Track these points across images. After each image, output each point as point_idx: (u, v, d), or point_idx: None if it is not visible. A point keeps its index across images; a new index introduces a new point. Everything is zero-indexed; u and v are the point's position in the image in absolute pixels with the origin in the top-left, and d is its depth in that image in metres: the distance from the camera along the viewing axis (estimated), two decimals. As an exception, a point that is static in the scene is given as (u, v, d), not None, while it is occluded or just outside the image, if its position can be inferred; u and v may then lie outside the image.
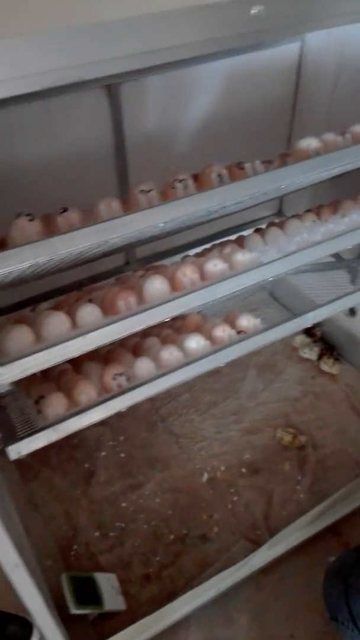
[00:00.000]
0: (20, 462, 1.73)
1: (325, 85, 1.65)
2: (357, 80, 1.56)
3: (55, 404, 1.02)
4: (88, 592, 1.35)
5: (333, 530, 1.56)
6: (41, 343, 0.88)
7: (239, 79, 1.62)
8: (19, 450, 0.95)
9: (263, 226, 1.35)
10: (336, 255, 1.81)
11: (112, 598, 1.37)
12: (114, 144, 1.53)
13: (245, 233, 1.37)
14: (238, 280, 0.98)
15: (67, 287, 1.68)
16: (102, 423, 1.82)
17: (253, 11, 0.59)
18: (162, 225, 0.81)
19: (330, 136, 0.97)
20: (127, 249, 1.69)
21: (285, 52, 1.66)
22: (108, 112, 1.48)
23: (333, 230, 1.08)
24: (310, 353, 2.01)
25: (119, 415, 1.83)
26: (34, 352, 0.83)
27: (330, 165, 0.91)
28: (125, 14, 0.58)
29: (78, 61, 0.59)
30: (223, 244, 1.40)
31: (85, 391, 1.03)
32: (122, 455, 1.75)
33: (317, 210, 1.34)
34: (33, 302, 1.64)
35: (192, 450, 1.75)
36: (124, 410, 1.04)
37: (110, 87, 1.44)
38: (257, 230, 1.29)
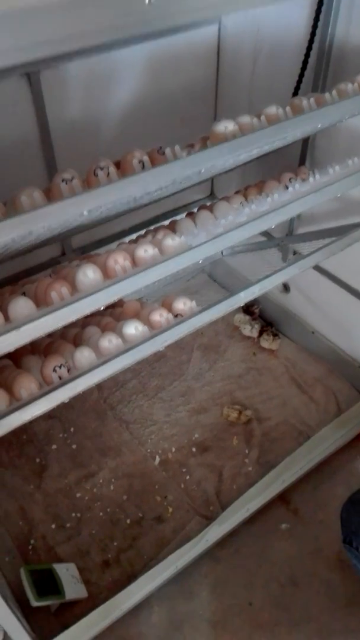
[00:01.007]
0: (-30, 463, 1.71)
1: (245, 66, 1.69)
2: (273, 60, 1.60)
3: (-5, 400, 1.01)
4: (48, 584, 1.35)
5: (282, 498, 1.63)
6: (-27, 341, 0.86)
7: (161, 62, 1.63)
8: None
9: (195, 209, 1.38)
10: (267, 235, 1.87)
11: (73, 587, 1.39)
12: (38, 134, 1.51)
13: (178, 217, 1.39)
14: (168, 265, 0.99)
15: (3, 281, 1.65)
16: (50, 416, 1.82)
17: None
18: (86, 213, 0.82)
19: (246, 118, 1.00)
20: (61, 239, 1.67)
21: (204, 34, 1.68)
22: (30, 101, 1.46)
23: (257, 211, 1.11)
24: (251, 331, 2.07)
25: (67, 406, 1.85)
26: (-35, 351, 0.81)
27: (246, 147, 0.93)
28: (21, 3, 0.58)
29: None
30: (156, 230, 1.42)
31: (26, 385, 1.02)
32: (74, 446, 1.76)
33: (244, 192, 1.38)
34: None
35: (143, 435, 1.78)
36: (66, 401, 1.04)
37: (30, 75, 1.41)
38: (189, 214, 1.32)
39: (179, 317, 1.21)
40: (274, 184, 1.30)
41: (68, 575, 1.40)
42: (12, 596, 1.31)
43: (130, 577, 1.44)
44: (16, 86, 1.42)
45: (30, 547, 1.51)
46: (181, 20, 0.67)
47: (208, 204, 1.40)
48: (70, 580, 1.39)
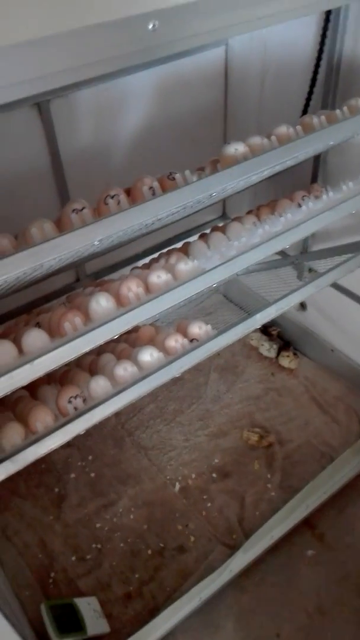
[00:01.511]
0: (-11, 494, 1.69)
1: (253, 87, 1.69)
2: (281, 79, 1.59)
3: (11, 434, 0.99)
4: (69, 619, 1.32)
5: (307, 524, 1.58)
6: (-14, 375, 0.85)
7: (169, 86, 1.64)
8: (-23, 486, 0.92)
9: (208, 231, 1.36)
10: (282, 253, 1.84)
11: (95, 622, 1.35)
12: (50, 162, 1.52)
13: (191, 239, 1.38)
14: (181, 291, 0.98)
15: (18, 310, 1.65)
16: (68, 444, 1.79)
17: (150, 26, 0.59)
18: (97, 243, 0.81)
19: (256, 139, 0.99)
20: (75, 266, 1.67)
21: (211, 56, 1.68)
22: (41, 130, 1.47)
23: (270, 231, 1.09)
24: (269, 350, 2.04)
25: (85, 434, 1.81)
26: (-22, 386, 0.80)
27: (257, 168, 0.92)
28: (27, 36, 0.57)
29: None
30: (169, 253, 1.41)
31: (41, 418, 1.01)
32: (92, 474, 1.73)
33: (257, 211, 1.36)
34: (-16, 329, 1.61)
35: (162, 462, 1.74)
36: (82, 432, 1.03)
37: (40, 105, 1.43)
38: (202, 236, 1.30)
39: (194, 342, 1.18)
40: (286, 203, 1.28)
41: (90, 610, 1.36)
42: (32, 633, 1.28)
43: (153, 610, 1.40)
44: (27, 116, 1.43)
45: (50, 580, 1.47)
46: (185, 45, 0.66)
47: (220, 224, 1.39)
48: (92, 615, 1.36)
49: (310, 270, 1.85)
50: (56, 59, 0.61)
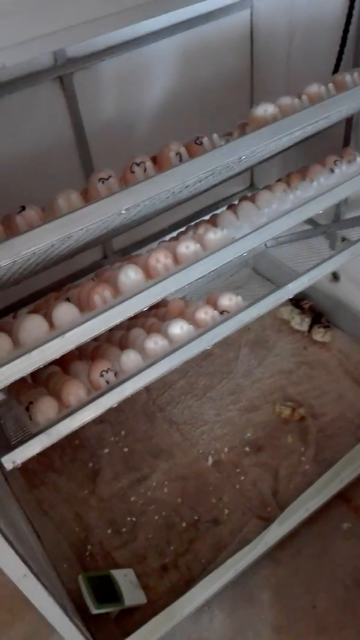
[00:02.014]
0: (26, 469, 1.72)
1: (280, 48, 1.62)
2: (310, 39, 1.52)
3: (45, 408, 1.00)
4: (107, 590, 1.34)
5: (342, 497, 1.56)
6: (18, 349, 0.85)
7: (193, 54, 1.59)
8: (13, 459, 0.93)
9: (236, 202, 1.33)
10: (313, 222, 1.79)
11: (132, 593, 1.37)
12: (74, 135, 1.50)
13: (219, 211, 1.34)
14: (211, 260, 0.95)
15: (48, 289, 1.66)
16: (101, 420, 1.81)
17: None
18: (124, 212, 0.79)
19: (286, 100, 0.94)
20: (102, 242, 1.66)
21: (235, 20, 1.62)
22: (64, 103, 1.45)
23: (302, 197, 1.05)
24: (302, 324, 2.00)
25: (117, 410, 1.84)
26: (10, 360, 0.80)
27: (288, 129, 0.88)
28: None
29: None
30: (197, 225, 1.38)
31: (73, 392, 1.01)
32: (125, 449, 1.74)
33: (286, 179, 1.32)
34: (16, 308, 1.62)
35: (194, 436, 1.74)
36: (115, 405, 1.02)
37: (62, 78, 1.40)
38: (230, 207, 1.27)
39: (225, 314, 1.16)
40: (318, 168, 1.23)
41: (126, 581, 1.38)
42: (71, 604, 1.31)
43: (188, 582, 1.41)
44: (50, 90, 1.41)
45: (87, 553, 1.50)
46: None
47: (249, 195, 1.35)
48: (129, 586, 1.38)
49: (343, 239, 1.79)
50: (70, 12, 0.58)
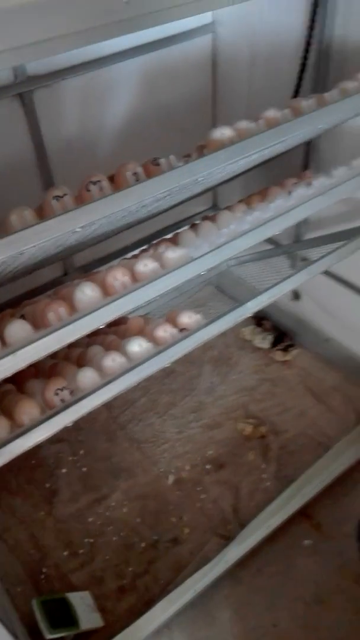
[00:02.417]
0: (-21, 490, 1.67)
1: (242, 73, 1.66)
2: (271, 63, 1.56)
3: (-3, 427, 0.98)
4: (62, 614, 1.31)
5: (304, 513, 1.56)
6: (-32, 367, 0.83)
7: (156, 76, 1.61)
8: None
9: (198, 221, 1.34)
10: (274, 242, 1.82)
11: (88, 616, 1.34)
12: (34, 153, 1.49)
13: (181, 230, 1.35)
14: (169, 278, 0.96)
15: (5, 305, 1.62)
16: (59, 439, 1.78)
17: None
18: (79, 230, 0.78)
19: (243, 124, 0.96)
20: (62, 258, 1.64)
21: (198, 44, 1.66)
22: (24, 121, 1.44)
23: (260, 218, 1.07)
24: (264, 342, 2.02)
25: (76, 428, 1.81)
26: None
27: (244, 152, 0.89)
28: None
29: None
30: (158, 244, 1.39)
31: (27, 411, 0.99)
32: (84, 469, 1.71)
33: (247, 200, 1.34)
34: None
35: (155, 454, 1.73)
36: (70, 425, 1.01)
37: (22, 95, 1.40)
38: (192, 226, 1.28)
39: (184, 332, 1.17)
40: (277, 190, 1.26)
41: (83, 604, 1.35)
42: (23, 629, 1.27)
43: (147, 603, 1.39)
44: (9, 107, 1.40)
45: (42, 576, 1.46)
46: (161, 19, 0.63)
47: (211, 215, 1.37)
48: (85, 610, 1.34)
49: (303, 259, 1.83)
50: (31, 28, 0.58)
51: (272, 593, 1.43)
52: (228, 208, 1.30)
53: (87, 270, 1.75)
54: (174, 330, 1.16)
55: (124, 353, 1.11)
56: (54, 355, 1.13)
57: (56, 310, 0.92)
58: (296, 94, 1.50)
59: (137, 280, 1.00)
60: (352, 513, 1.56)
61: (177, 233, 1.28)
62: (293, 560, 1.50)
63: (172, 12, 0.64)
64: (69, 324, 0.87)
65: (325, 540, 1.52)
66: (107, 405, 1.83)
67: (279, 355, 1.98)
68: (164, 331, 1.15)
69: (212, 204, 2.05)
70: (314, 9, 1.36)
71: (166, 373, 1.97)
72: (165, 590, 1.41)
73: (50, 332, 0.85)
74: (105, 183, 0.86)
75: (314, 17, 1.38)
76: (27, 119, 1.42)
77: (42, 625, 1.25)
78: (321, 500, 1.59)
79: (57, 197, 0.83)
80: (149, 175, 0.89)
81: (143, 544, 1.51)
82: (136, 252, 1.59)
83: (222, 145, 0.93)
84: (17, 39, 0.59)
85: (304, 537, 1.54)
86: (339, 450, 1.63)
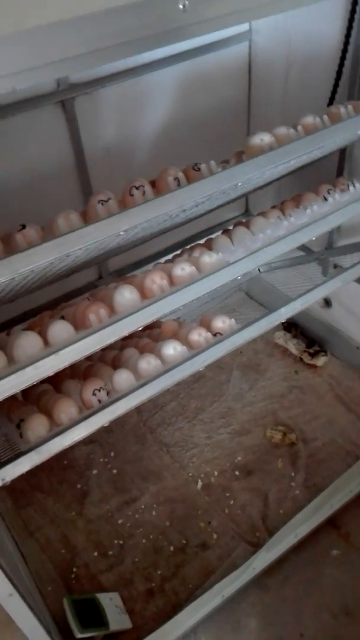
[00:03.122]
0: (13, 489, 1.70)
1: (277, 80, 1.67)
2: (307, 72, 1.58)
3: (36, 426, 1.00)
4: (92, 614, 1.32)
5: (332, 523, 1.55)
6: (13, 365, 0.86)
7: (193, 83, 1.64)
8: (2, 476, 0.92)
9: (231, 227, 1.36)
10: (306, 249, 1.82)
11: (117, 617, 1.35)
12: (74, 158, 1.53)
13: (214, 236, 1.37)
14: (207, 282, 0.97)
15: (42, 307, 1.66)
16: (91, 441, 1.80)
17: (180, 5, 0.59)
18: (122, 233, 0.80)
19: (282, 130, 0.98)
20: (98, 262, 1.67)
21: (235, 52, 1.68)
22: (65, 127, 1.48)
23: (295, 224, 1.08)
24: (293, 349, 2.01)
25: (107, 431, 1.83)
26: (4, 377, 0.80)
27: (284, 158, 0.91)
28: (60, 16, 0.56)
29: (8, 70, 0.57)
30: (192, 248, 1.40)
31: (65, 410, 1.01)
32: (114, 471, 1.73)
33: (281, 206, 1.35)
34: (9, 325, 1.63)
35: (184, 459, 1.74)
36: (106, 424, 1.03)
37: (64, 102, 1.44)
38: (225, 232, 1.30)
39: (218, 336, 1.18)
40: (311, 197, 1.26)
41: (112, 605, 1.36)
42: (55, 627, 1.28)
43: (175, 607, 1.39)
44: (52, 114, 1.44)
45: (73, 575, 1.48)
46: (213, 27, 0.64)
47: (244, 220, 1.38)
48: (114, 611, 1.35)
49: (335, 266, 1.83)
50: (81, 39, 0.60)
51: (299, 602, 1.42)
52: (262, 214, 1.31)
53: (122, 274, 1.78)
54: (208, 335, 1.17)
55: (159, 356, 1.13)
56: (89, 358, 1.15)
57: (96, 312, 0.94)
58: (331, 101, 1.50)
59: (174, 284, 1.02)
60: (382, 524, 1.55)
61: (211, 238, 1.30)
62: (321, 569, 1.48)
63: (219, 21, 0.65)
64: (109, 325, 0.89)
65: (354, 550, 1.51)
66: (137, 409, 1.85)
67: (306, 358, 1.97)
68: (199, 335, 1.16)
69: (245, 209, 2.06)
70: (351, 16, 1.37)
71: (195, 378, 1.98)
72: (192, 594, 1.41)
73: (92, 333, 0.87)
74: (148, 188, 0.88)
75: (350, 27, 1.39)
76: (68, 124, 1.45)
77: (73, 624, 1.27)
78: (350, 510, 1.57)
79: (102, 201, 0.85)
80: (190, 180, 0.91)
81: (172, 548, 1.52)
82: (169, 257, 1.61)
83: (261, 150, 0.94)
84: (63, 52, 0.61)
85: (332, 546, 1.52)
86: (369, 459, 1.61)
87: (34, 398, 1.14)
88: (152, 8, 0.59)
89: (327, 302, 1.98)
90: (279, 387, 1.94)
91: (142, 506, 1.62)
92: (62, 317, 1.08)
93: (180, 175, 0.91)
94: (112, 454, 1.78)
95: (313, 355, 1.97)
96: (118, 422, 1.80)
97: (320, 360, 1.97)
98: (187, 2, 0.59)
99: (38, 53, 0.57)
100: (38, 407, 1.10)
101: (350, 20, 1.39)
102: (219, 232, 1.34)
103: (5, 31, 0.55)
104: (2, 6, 0.55)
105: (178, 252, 1.54)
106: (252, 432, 1.80)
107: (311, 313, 2.04)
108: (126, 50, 0.62)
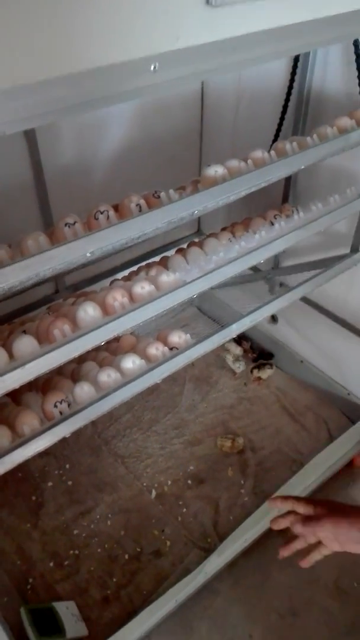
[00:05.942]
0: (-36, 503, 1.70)
1: (228, 113, 1.79)
2: (255, 107, 1.70)
3: (-2, 437, 1.03)
4: (48, 623, 1.34)
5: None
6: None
7: (148, 111, 1.73)
8: (-35, 487, 0.95)
9: (184, 245, 1.44)
10: (254, 268, 1.93)
11: (73, 625, 1.38)
12: (33, 179, 1.58)
13: (168, 253, 1.45)
14: (165, 300, 1.04)
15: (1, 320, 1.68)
16: (46, 453, 1.82)
17: (151, 67, 0.67)
18: (89, 255, 0.87)
19: (234, 162, 1.07)
20: (55, 278, 1.72)
21: (189, 86, 1.78)
22: (25, 149, 1.53)
23: (246, 247, 1.17)
24: (241, 363, 2.11)
25: (62, 443, 1.85)
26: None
27: (235, 189, 1.00)
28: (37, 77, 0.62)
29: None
30: (148, 266, 1.48)
31: (28, 422, 1.05)
32: (69, 483, 1.76)
33: (231, 228, 1.45)
34: None
35: (139, 469, 1.79)
36: (68, 435, 1.07)
37: (26, 131, 1.48)
38: (179, 251, 1.38)
39: (174, 350, 1.25)
40: (260, 221, 1.37)
41: (68, 614, 1.39)
42: (12, 637, 1.30)
43: (130, 613, 1.43)
44: (12, 137, 1.48)
45: (28, 586, 1.49)
46: (181, 83, 0.72)
47: (196, 240, 1.46)
48: (71, 619, 1.38)
49: (281, 284, 1.95)
50: (63, 96, 0.66)
51: (248, 604, 1.50)
52: (213, 235, 1.40)
53: (77, 289, 1.82)
54: (165, 349, 1.24)
55: (118, 369, 1.18)
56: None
57: (61, 328, 0.99)
58: (277, 135, 1.63)
59: (134, 301, 1.08)
60: (325, 527, 1.64)
61: (166, 257, 1.37)
62: (269, 573, 1.56)
63: (185, 80, 0.73)
64: (74, 340, 0.94)
65: (300, 554, 1.59)
66: (92, 421, 1.88)
67: (257, 372, 2.07)
68: (156, 349, 1.23)
69: (197, 228, 2.16)
70: (295, 63, 1.51)
71: (150, 390, 2.03)
72: (147, 600, 1.45)
73: (57, 347, 0.92)
74: (111, 212, 0.95)
75: (295, 70, 1.52)
76: (29, 148, 1.50)
77: (30, 632, 1.29)
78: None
79: (69, 224, 0.91)
80: (150, 206, 0.99)
81: (126, 556, 1.56)
82: (125, 272, 1.68)
83: (215, 182, 1.03)
84: (49, 106, 0.67)
85: (279, 551, 1.60)
86: (312, 467, 1.70)
87: (-6, 411, 1.17)
88: (125, 70, 0.67)
89: (273, 318, 2.10)
90: (229, 398, 2.03)
91: (98, 516, 1.66)
92: (24, 332, 1.13)
93: (142, 202, 0.98)
94: (67, 465, 1.81)
95: (259, 368, 2.08)
96: (73, 435, 1.81)
97: (265, 373, 2.07)
98: (157, 64, 0.67)
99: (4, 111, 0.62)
100: (-1, 420, 1.13)
101: (296, 59, 1.52)
102: (173, 251, 1.42)
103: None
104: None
105: (134, 268, 1.61)
106: (204, 442, 1.87)
107: (259, 328, 2.15)
108: (98, 103, 0.69)
